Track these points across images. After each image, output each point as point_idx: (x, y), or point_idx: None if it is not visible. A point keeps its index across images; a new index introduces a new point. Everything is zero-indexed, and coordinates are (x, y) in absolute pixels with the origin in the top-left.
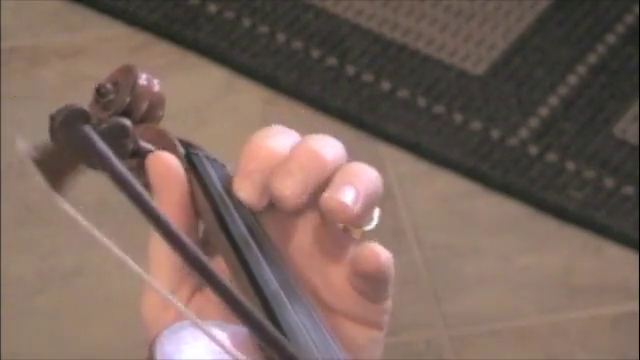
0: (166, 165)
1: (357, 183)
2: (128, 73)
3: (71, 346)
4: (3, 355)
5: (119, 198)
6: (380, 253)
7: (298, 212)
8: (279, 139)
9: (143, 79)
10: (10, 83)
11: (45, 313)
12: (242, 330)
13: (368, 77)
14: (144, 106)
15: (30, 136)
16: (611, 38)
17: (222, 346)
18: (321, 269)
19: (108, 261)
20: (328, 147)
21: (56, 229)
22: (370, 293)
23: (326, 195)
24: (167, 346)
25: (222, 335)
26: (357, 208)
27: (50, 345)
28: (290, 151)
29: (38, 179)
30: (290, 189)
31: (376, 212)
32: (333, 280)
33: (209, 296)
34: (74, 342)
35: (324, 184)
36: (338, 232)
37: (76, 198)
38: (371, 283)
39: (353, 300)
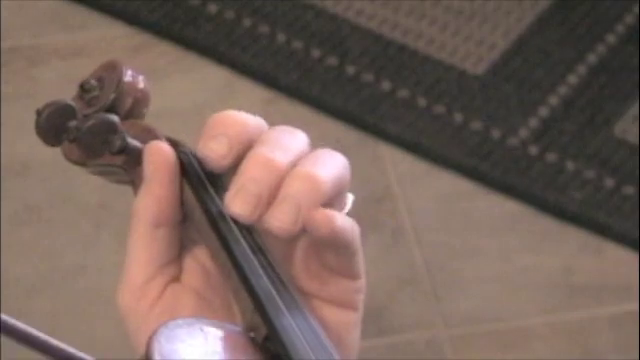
0: (164, 156)
1: (299, 198)
2: (113, 69)
3: (71, 346)
4: (3, 355)
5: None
6: (335, 217)
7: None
8: (243, 113)
9: (128, 75)
10: (10, 83)
11: (45, 313)
12: (236, 328)
13: (368, 77)
14: (129, 103)
15: (30, 136)
16: (611, 38)
17: None
18: (294, 252)
19: (108, 261)
20: (279, 152)
21: (56, 229)
22: (338, 266)
23: (265, 217)
24: (165, 345)
25: (218, 333)
26: (297, 227)
27: None
28: (243, 164)
29: None
30: (242, 209)
31: (349, 198)
32: (306, 262)
33: (183, 289)
34: (74, 342)
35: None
36: None
37: (79, 199)
38: (334, 253)
39: (325, 280)
